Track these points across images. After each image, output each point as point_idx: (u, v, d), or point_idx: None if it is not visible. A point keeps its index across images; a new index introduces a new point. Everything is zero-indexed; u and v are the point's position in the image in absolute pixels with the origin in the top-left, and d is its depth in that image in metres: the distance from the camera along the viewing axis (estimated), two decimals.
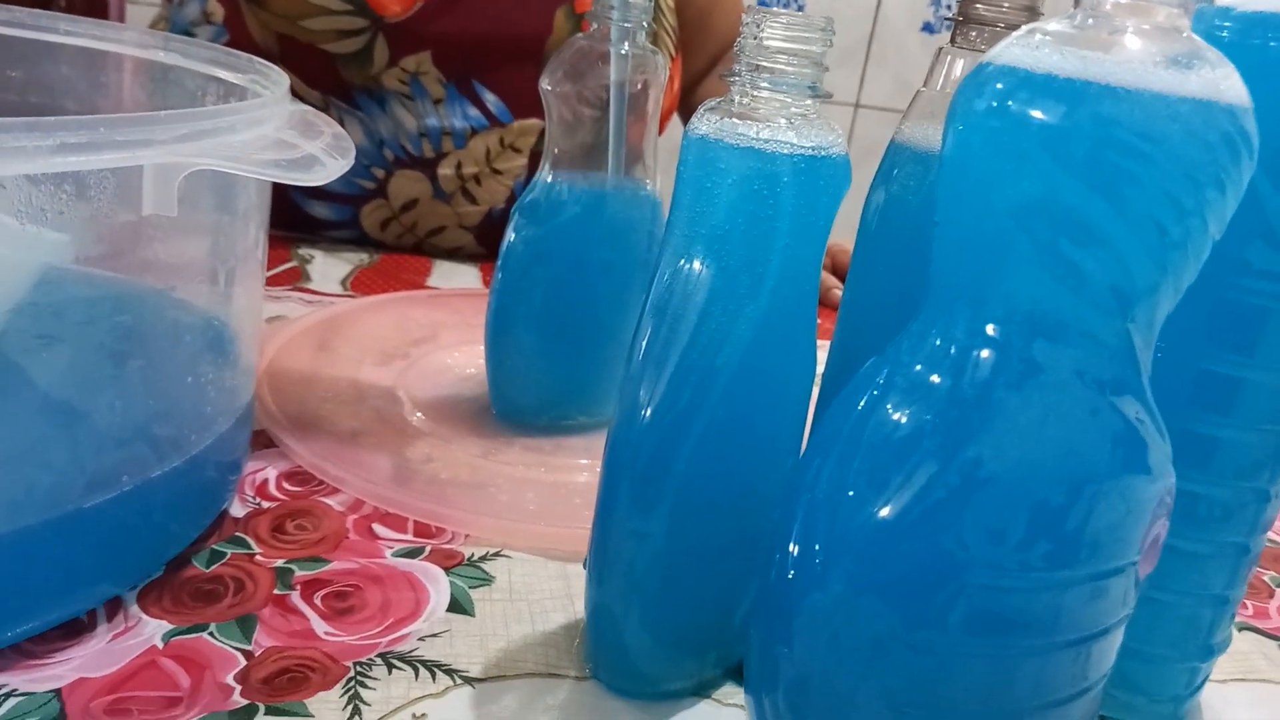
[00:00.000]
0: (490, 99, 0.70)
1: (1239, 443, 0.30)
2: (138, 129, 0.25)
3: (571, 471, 0.44)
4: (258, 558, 0.35)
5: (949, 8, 1.70)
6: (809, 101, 0.27)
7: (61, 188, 0.25)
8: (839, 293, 0.70)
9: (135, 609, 0.31)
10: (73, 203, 0.26)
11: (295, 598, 0.33)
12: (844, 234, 0.34)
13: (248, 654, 0.30)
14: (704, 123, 0.27)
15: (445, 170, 0.72)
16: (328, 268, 0.68)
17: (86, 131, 0.24)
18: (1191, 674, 0.33)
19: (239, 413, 0.37)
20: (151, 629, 0.31)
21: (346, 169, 0.32)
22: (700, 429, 0.28)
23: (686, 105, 0.90)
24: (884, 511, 0.23)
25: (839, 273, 0.74)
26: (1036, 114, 0.21)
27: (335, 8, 0.66)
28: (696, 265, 0.28)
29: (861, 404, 0.25)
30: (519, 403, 0.48)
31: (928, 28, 1.72)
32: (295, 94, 0.66)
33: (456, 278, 0.70)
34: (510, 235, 0.46)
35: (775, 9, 0.26)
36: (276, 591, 0.33)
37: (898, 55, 1.71)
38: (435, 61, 0.68)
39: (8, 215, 0.25)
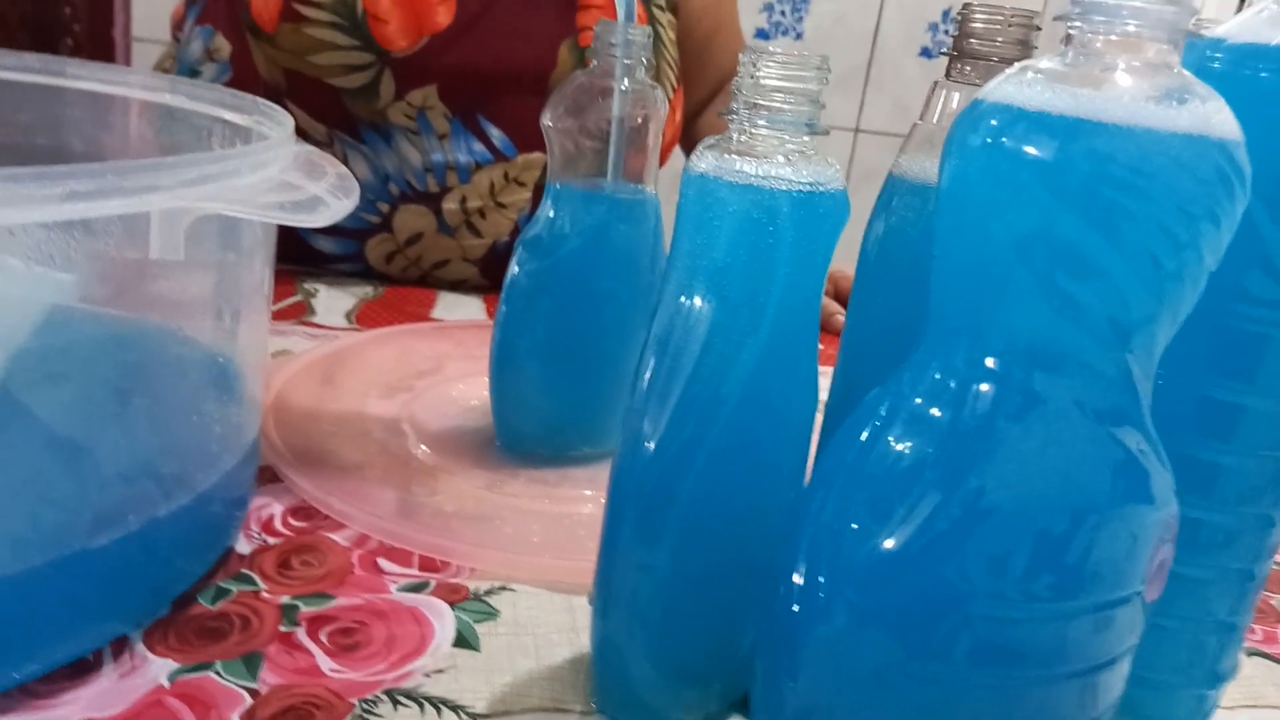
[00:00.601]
0: (495, 133, 0.71)
1: (1240, 469, 0.30)
2: (144, 175, 0.26)
3: (576, 503, 0.45)
4: (263, 594, 0.35)
5: (946, 33, 1.72)
6: (806, 138, 0.27)
7: (71, 234, 0.25)
8: (841, 318, 0.71)
9: (141, 648, 0.31)
10: (81, 247, 0.26)
11: (301, 634, 0.33)
12: (845, 259, 0.34)
13: (254, 692, 0.30)
14: (703, 160, 0.28)
15: (450, 204, 0.72)
16: (332, 301, 0.68)
17: (94, 179, 0.24)
18: (1199, 701, 0.33)
19: (245, 449, 0.37)
20: (158, 668, 0.31)
21: (350, 209, 0.32)
22: (703, 461, 0.28)
23: (688, 135, 0.91)
24: (887, 543, 0.23)
25: (841, 298, 0.75)
26: (1031, 150, 0.21)
27: (342, 43, 0.67)
28: (698, 300, 0.28)
29: (864, 436, 0.25)
30: (523, 434, 0.48)
31: (925, 52, 1.73)
32: (300, 129, 0.67)
33: (460, 309, 0.71)
34: (513, 268, 0.46)
35: (771, 48, 0.27)
36: (282, 628, 0.33)
37: (896, 80, 1.73)
38: (441, 95, 0.69)
39: (16, 258, 0.25)
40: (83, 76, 0.45)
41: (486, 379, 0.49)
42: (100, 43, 1.32)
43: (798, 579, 0.25)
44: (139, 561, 0.31)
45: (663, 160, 0.75)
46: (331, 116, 0.69)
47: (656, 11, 0.77)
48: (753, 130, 0.27)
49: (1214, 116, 0.21)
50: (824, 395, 0.34)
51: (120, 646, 0.31)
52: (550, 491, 0.45)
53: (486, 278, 0.76)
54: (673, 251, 0.29)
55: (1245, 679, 0.37)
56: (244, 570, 0.36)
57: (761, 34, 1.66)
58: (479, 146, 0.71)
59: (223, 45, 0.70)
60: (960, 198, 0.23)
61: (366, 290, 0.72)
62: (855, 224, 0.29)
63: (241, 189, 0.29)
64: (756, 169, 0.27)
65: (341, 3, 0.66)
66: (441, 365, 0.59)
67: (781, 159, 0.27)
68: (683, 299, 0.28)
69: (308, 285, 0.71)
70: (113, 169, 0.25)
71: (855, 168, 1.72)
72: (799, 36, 1.68)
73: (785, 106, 0.27)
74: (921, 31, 1.72)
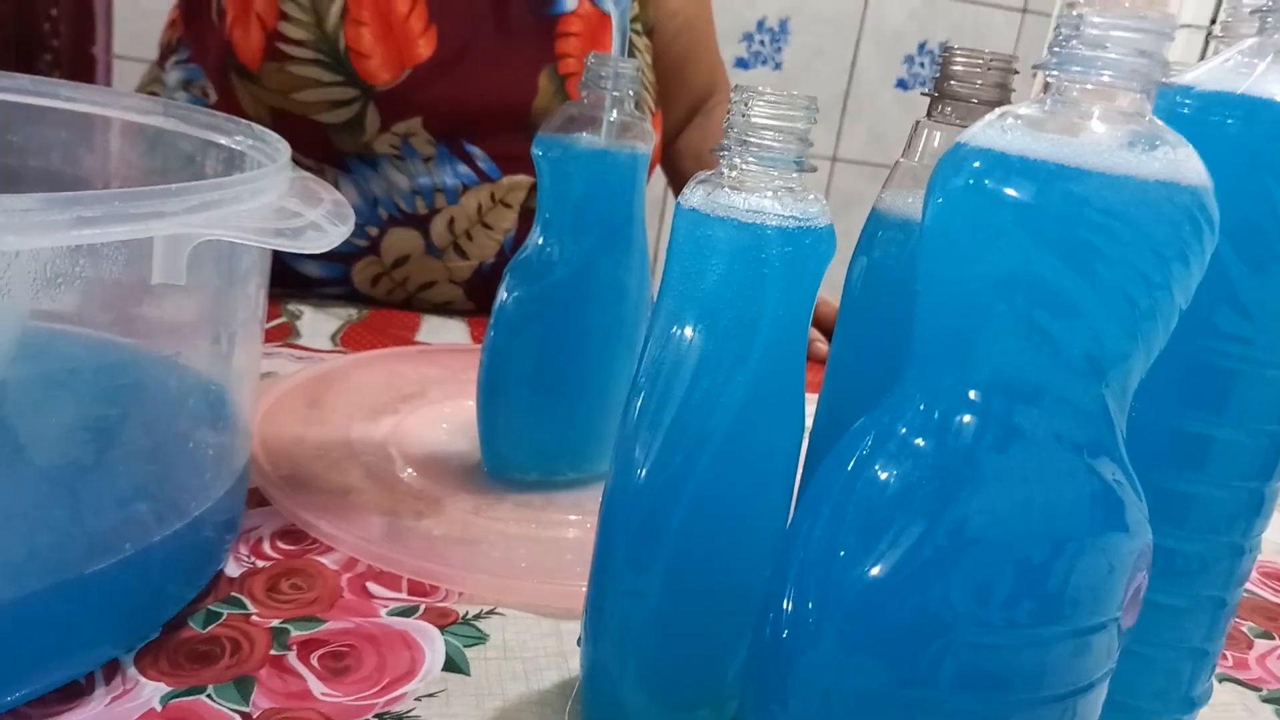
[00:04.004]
0: (479, 155, 0.72)
1: (1212, 499, 0.31)
2: (149, 202, 0.26)
3: (562, 527, 0.45)
4: (254, 618, 0.35)
5: (922, 65, 1.75)
6: (794, 174, 0.28)
7: (76, 259, 0.26)
8: (823, 346, 0.72)
9: (133, 671, 0.32)
10: (85, 272, 0.26)
11: (292, 658, 0.33)
12: (827, 290, 0.35)
13: (245, 715, 0.30)
14: (694, 195, 0.29)
15: (438, 226, 0.73)
16: (317, 323, 0.69)
17: (102, 206, 0.25)
18: None
19: (237, 474, 0.37)
20: (149, 691, 0.31)
21: (346, 235, 0.33)
22: (694, 488, 0.29)
23: (667, 157, 0.92)
24: (874, 571, 0.24)
25: (822, 326, 0.76)
26: (1011, 193, 0.22)
27: (326, 79, 0.67)
28: (688, 331, 0.29)
29: (850, 465, 0.25)
30: (510, 459, 0.49)
31: (901, 84, 1.77)
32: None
33: (445, 333, 0.71)
34: (502, 294, 0.47)
35: (762, 88, 0.28)
36: (273, 652, 0.33)
37: (872, 110, 1.76)
38: (425, 126, 0.70)
39: (24, 283, 0.25)
40: (76, 99, 0.45)
41: (472, 403, 0.49)
42: (80, 59, 1.32)
43: (787, 605, 0.25)
44: (132, 586, 0.31)
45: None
46: (317, 151, 0.70)
47: (632, 36, 0.78)
48: (743, 166, 0.28)
49: (1184, 163, 0.22)
50: (808, 422, 0.35)
51: (112, 670, 0.31)
52: (536, 516, 0.46)
53: (472, 300, 0.77)
54: (664, 283, 0.30)
55: (1218, 704, 0.38)
56: (234, 594, 0.36)
57: (741, 63, 1.69)
58: (464, 169, 0.72)
59: (208, 88, 0.70)
60: (943, 237, 0.24)
61: (351, 313, 0.72)
62: (838, 253, 0.30)
63: (242, 215, 0.30)
64: (746, 204, 0.28)
65: (324, 40, 0.67)
66: (426, 389, 0.59)
67: (770, 195, 0.28)
68: (674, 329, 0.29)
69: (292, 307, 0.71)
70: (119, 195, 0.26)
71: (833, 196, 1.74)
72: (778, 67, 1.70)
73: (775, 144, 0.28)
74: (897, 64, 1.75)
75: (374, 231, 0.73)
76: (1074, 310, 0.22)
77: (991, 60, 0.32)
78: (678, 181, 0.94)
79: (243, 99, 0.69)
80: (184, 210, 0.27)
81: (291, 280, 0.75)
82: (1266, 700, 0.39)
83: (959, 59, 0.32)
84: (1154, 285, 0.22)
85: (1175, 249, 0.22)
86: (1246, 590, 0.40)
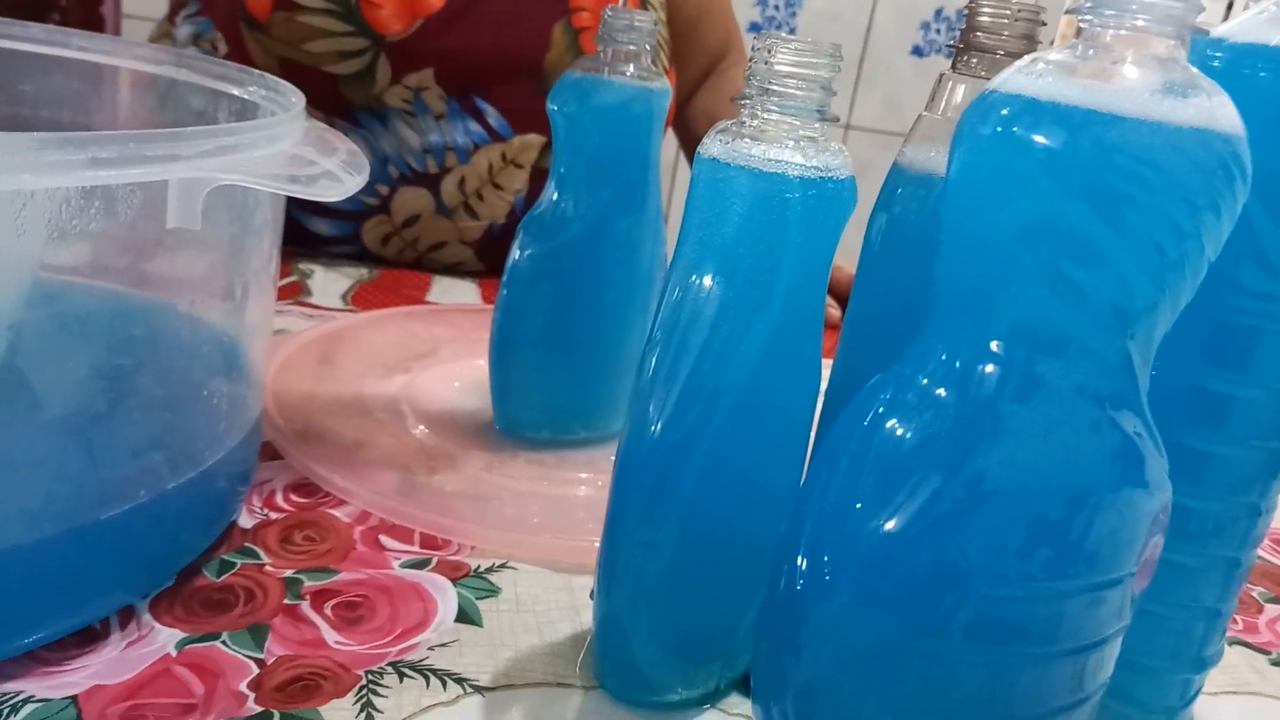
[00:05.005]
0: (491, 114, 0.71)
1: (1230, 458, 0.30)
2: (165, 145, 0.26)
3: (573, 485, 0.45)
4: (267, 568, 0.35)
5: (938, 31, 1.73)
6: (817, 125, 0.28)
7: (91, 202, 0.26)
8: (836, 312, 0.71)
9: (148, 617, 0.32)
10: (101, 217, 0.26)
11: (305, 607, 0.33)
12: (840, 255, 0.35)
13: (260, 662, 0.30)
14: (715, 144, 0.28)
15: (448, 185, 0.72)
16: (328, 282, 0.68)
17: (117, 147, 0.25)
18: (1185, 686, 0.33)
19: (250, 425, 0.37)
20: (164, 637, 0.31)
21: (362, 185, 0.33)
22: (709, 442, 0.29)
23: (680, 119, 0.91)
24: (890, 523, 0.24)
25: (834, 291, 0.75)
26: (1040, 139, 0.22)
27: (336, 29, 0.67)
28: (707, 281, 0.28)
29: (868, 418, 0.25)
30: (522, 417, 0.49)
31: (916, 50, 1.74)
32: None
33: (455, 293, 0.71)
34: (515, 252, 0.46)
35: (785, 35, 0.27)
36: (286, 601, 0.34)
37: (887, 77, 1.74)
38: (437, 78, 0.69)
39: (39, 225, 0.25)
40: (88, 48, 0.45)
41: (483, 362, 0.49)
42: (89, 18, 1.30)
43: (802, 559, 0.25)
44: (146, 533, 0.31)
45: None
46: (328, 104, 0.69)
47: None
48: (764, 115, 0.28)
49: (1218, 111, 0.22)
50: (823, 385, 0.34)
51: (127, 616, 0.32)
52: (548, 474, 0.46)
53: (482, 261, 0.77)
54: (683, 233, 0.29)
55: (1228, 666, 0.38)
56: (247, 544, 0.36)
57: (755, 27, 1.67)
58: (475, 127, 0.71)
59: (219, 41, 0.70)
60: (969, 185, 0.23)
61: (362, 272, 0.72)
62: (853, 218, 0.29)
63: (258, 161, 0.29)
64: (767, 153, 0.28)
65: None
66: (438, 348, 0.59)
67: (791, 144, 0.28)
68: (692, 278, 0.29)
69: (303, 266, 0.71)
70: (134, 137, 0.25)
71: None
72: (792, 31, 1.68)
73: (797, 92, 0.28)
74: (914, 29, 1.73)
75: (384, 190, 0.72)
76: (1102, 259, 0.22)
77: (1019, 11, 0.31)
78: (690, 143, 0.93)
79: (252, 50, 0.68)
80: (198, 154, 0.27)
81: (302, 238, 0.75)
82: (1275, 663, 0.39)
83: (986, 9, 0.31)
84: (1184, 234, 0.22)
85: (1207, 197, 0.21)
86: (1257, 556, 0.40)
